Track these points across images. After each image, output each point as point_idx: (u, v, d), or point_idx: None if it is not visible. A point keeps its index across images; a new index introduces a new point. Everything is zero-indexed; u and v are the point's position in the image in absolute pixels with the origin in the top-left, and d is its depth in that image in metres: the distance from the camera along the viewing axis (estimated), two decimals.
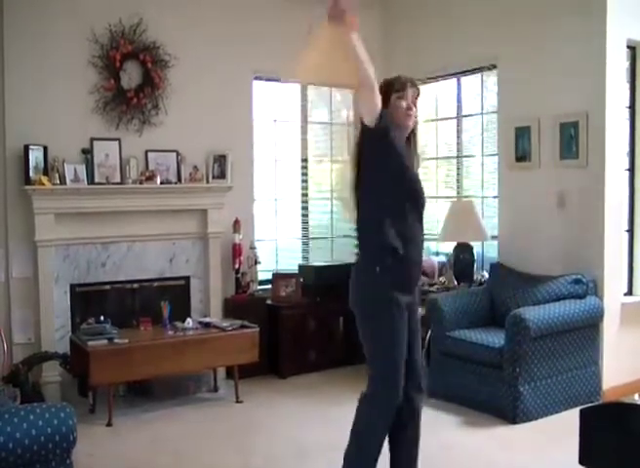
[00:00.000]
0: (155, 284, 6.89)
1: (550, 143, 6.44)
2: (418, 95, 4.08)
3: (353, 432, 4.00)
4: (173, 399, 6.36)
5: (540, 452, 5.04)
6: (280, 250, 7.92)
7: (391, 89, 4.06)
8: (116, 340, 5.87)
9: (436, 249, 7.87)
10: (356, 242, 4.14)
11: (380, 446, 3.94)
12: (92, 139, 6.45)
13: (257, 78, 7.46)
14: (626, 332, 6.31)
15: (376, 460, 3.93)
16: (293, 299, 7.24)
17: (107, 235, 6.53)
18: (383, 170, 3.87)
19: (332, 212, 8.26)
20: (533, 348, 5.64)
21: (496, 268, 6.75)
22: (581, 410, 4.08)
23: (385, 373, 3.86)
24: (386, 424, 3.90)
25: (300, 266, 7.67)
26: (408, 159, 3.96)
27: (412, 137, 4.09)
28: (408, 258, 3.87)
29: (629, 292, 6.64)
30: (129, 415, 5.95)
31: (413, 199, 3.94)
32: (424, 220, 4.03)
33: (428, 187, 8.03)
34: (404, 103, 3.98)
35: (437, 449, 5.14)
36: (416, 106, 4.03)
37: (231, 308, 7.05)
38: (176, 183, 6.80)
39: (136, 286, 6.80)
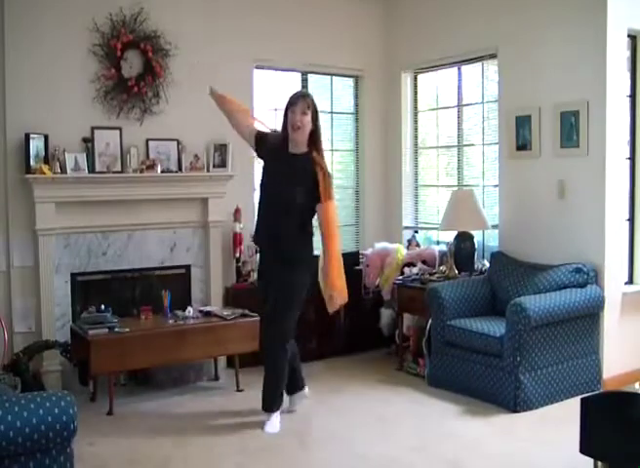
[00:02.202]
0: (156, 273, 6.89)
1: (551, 132, 6.44)
2: (308, 106, 5.19)
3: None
4: (173, 388, 6.38)
5: (540, 441, 5.05)
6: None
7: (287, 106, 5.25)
8: (117, 329, 5.88)
9: (437, 238, 7.87)
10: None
11: None
12: (92, 128, 6.44)
13: (257, 67, 7.45)
14: (627, 321, 6.31)
15: None
16: None
17: (108, 224, 6.53)
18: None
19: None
20: (533, 337, 5.64)
21: (496, 257, 6.76)
22: (582, 399, 4.08)
23: None
24: None
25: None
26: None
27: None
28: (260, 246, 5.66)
29: (630, 281, 6.64)
30: (129, 404, 5.97)
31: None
32: None
33: (429, 176, 8.06)
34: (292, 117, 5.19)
35: (438, 438, 5.17)
36: (304, 114, 5.17)
37: (232, 297, 7.06)
38: (176, 172, 6.79)
39: (136, 275, 6.80)
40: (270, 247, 5.41)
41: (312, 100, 5.27)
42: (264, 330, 5.48)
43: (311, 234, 5.43)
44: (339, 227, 5.44)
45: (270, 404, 5.43)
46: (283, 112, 5.31)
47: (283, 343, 5.39)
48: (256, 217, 5.53)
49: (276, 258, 5.35)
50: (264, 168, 5.51)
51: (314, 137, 5.28)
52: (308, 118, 5.19)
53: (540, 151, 6.56)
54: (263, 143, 5.47)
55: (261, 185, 5.50)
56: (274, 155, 5.36)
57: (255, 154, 5.81)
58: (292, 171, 5.21)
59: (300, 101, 5.19)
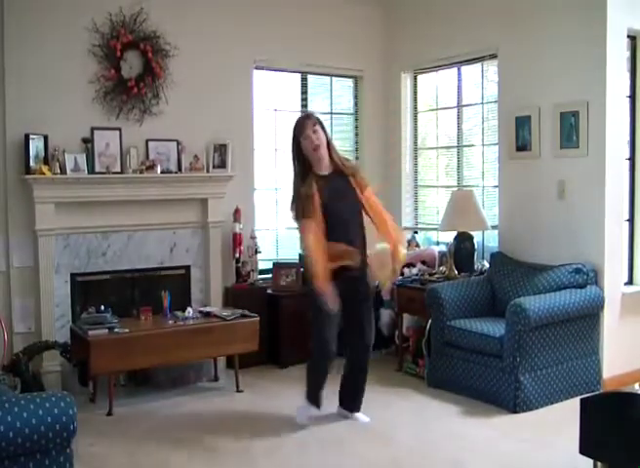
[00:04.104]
0: (156, 273, 6.90)
1: (551, 133, 6.44)
2: (314, 123, 5.22)
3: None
4: (173, 388, 6.38)
5: (540, 442, 5.05)
6: (280, 239, 7.91)
7: (297, 135, 5.23)
8: (116, 330, 5.88)
9: (437, 238, 7.87)
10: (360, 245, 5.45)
11: None
12: (92, 129, 6.45)
13: (257, 67, 7.45)
14: (627, 322, 6.31)
15: None
16: (293, 289, 7.24)
17: (108, 224, 6.53)
18: None
19: None
20: (533, 338, 5.64)
21: (496, 258, 6.76)
22: (582, 400, 4.09)
23: None
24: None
25: (301, 256, 7.65)
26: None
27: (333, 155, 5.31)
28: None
29: (630, 282, 6.64)
30: (129, 405, 5.97)
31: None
32: None
33: (429, 176, 8.06)
34: (307, 142, 5.17)
35: (437, 439, 5.17)
36: (315, 132, 5.17)
37: (232, 297, 7.06)
38: (176, 173, 6.79)
39: (136, 275, 6.80)
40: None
41: (314, 116, 5.36)
42: (362, 336, 5.67)
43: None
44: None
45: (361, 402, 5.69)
46: (292, 146, 5.30)
47: None
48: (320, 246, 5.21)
49: (355, 272, 5.39)
50: (327, 205, 5.19)
51: (330, 147, 5.32)
52: (320, 133, 5.21)
53: (540, 152, 6.56)
54: (318, 191, 5.19)
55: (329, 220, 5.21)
56: (323, 189, 5.18)
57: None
58: (338, 188, 5.24)
59: (307, 123, 5.21)
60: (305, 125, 5.20)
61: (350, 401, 5.67)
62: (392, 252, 5.47)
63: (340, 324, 5.47)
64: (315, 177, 5.21)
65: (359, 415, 5.63)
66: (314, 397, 5.54)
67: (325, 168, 5.29)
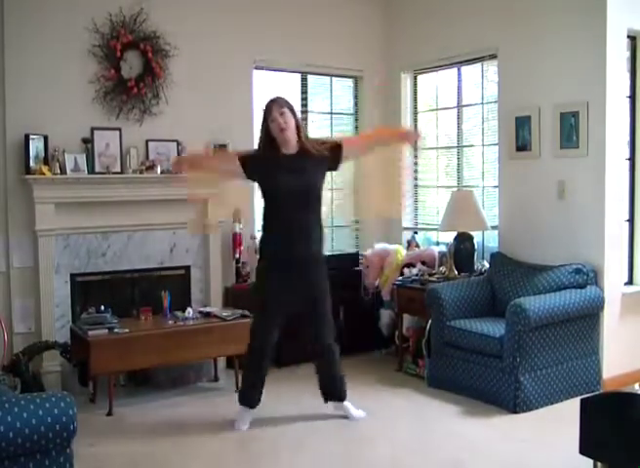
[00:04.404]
0: (155, 273, 6.90)
1: (551, 133, 6.44)
2: (282, 106, 5.27)
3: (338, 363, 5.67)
4: (173, 388, 6.38)
5: (540, 442, 5.05)
6: None
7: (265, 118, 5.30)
8: (116, 330, 5.88)
9: (436, 239, 7.87)
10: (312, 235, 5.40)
11: None
12: (92, 129, 6.45)
13: (257, 67, 7.45)
14: (627, 322, 6.31)
15: None
16: None
17: (108, 224, 6.53)
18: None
19: (332, 202, 8.24)
20: (533, 338, 5.64)
21: (496, 258, 6.76)
22: (582, 400, 4.09)
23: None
24: None
25: None
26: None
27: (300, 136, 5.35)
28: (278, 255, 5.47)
29: (630, 282, 6.65)
30: (129, 405, 5.97)
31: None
32: None
33: (429, 177, 8.06)
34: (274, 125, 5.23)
35: (437, 439, 5.17)
36: (283, 114, 5.23)
37: (232, 298, 7.06)
38: (176, 173, 6.78)
39: (136, 275, 6.80)
40: (295, 250, 5.34)
41: (283, 99, 5.38)
42: (316, 338, 5.62)
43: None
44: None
45: (345, 391, 5.69)
46: (261, 128, 5.38)
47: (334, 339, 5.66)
48: (261, 233, 5.62)
49: (306, 259, 5.40)
50: (265, 179, 5.38)
51: (299, 130, 5.36)
52: (288, 115, 5.25)
53: (540, 152, 6.56)
54: (251, 162, 5.38)
55: (268, 195, 5.41)
56: (270, 163, 5.31)
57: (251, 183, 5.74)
58: (295, 167, 5.26)
59: (274, 106, 5.26)
60: (272, 107, 5.25)
61: (332, 390, 5.67)
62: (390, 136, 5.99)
63: (290, 323, 5.54)
64: (267, 153, 5.34)
65: (349, 406, 5.65)
66: (245, 397, 5.56)
67: (292, 148, 5.34)
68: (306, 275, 5.41)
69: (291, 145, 5.31)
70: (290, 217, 5.26)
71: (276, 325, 5.48)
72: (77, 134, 6.38)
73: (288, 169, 5.23)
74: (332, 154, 5.37)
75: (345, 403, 5.65)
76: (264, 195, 5.43)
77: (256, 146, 5.55)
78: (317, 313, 5.53)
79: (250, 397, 5.54)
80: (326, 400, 5.69)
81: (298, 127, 5.34)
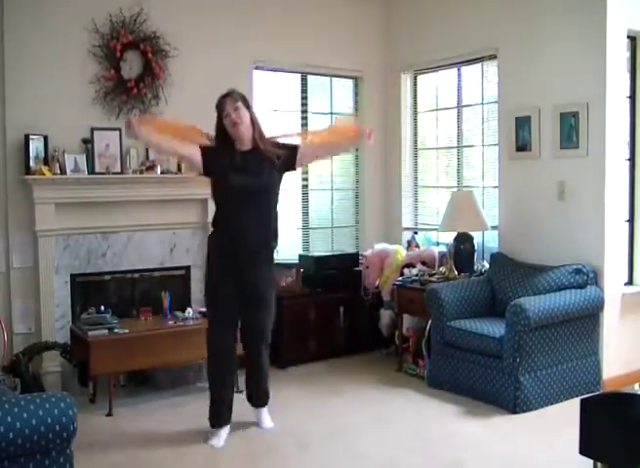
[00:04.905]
0: (155, 274, 6.90)
1: (551, 133, 6.44)
2: (236, 100, 5.07)
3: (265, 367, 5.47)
4: (173, 389, 6.37)
5: (540, 442, 5.05)
6: (280, 239, 7.89)
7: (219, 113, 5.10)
8: (116, 330, 5.88)
9: (436, 239, 7.87)
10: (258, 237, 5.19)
11: None
12: (92, 129, 6.44)
13: (257, 67, 7.45)
14: (626, 322, 6.31)
15: None
16: (293, 289, 7.24)
17: (108, 225, 6.53)
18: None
19: (332, 202, 8.25)
20: (533, 338, 5.64)
21: (496, 258, 6.76)
22: (582, 400, 4.09)
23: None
24: None
25: (301, 256, 7.67)
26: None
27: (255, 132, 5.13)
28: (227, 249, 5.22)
29: (630, 282, 6.64)
30: (129, 405, 5.97)
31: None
32: None
33: (429, 177, 8.06)
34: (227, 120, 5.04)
35: (437, 439, 5.17)
36: (237, 109, 5.03)
37: None
38: (176, 173, 6.79)
39: (136, 275, 6.81)
40: (239, 249, 5.12)
41: (238, 93, 5.15)
42: (247, 335, 5.38)
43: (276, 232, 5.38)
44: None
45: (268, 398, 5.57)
46: (216, 123, 5.16)
47: (268, 349, 5.48)
48: (210, 230, 5.44)
49: (250, 260, 5.17)
50: (217, 176, 5.15)
51: (254, 126, 5.14)
52: (242, 110, 5.05)
53: (540, 152, 6.56)
54: (209, 155, 5.12)
55: (220, 192, 5.21)
56: (224, 160, 5.06)
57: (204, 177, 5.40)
58: (248, 166, 5.06)
59: (227, 100, 5.06)
60: (225, 102, 5.07)
61: (252, 395, 5.52)
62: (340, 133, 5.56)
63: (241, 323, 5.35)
64: (223, 148, 5.11)
65: (263, 414, 5.50)
66: (211, 416, 5.30)
67: (246, 144, 5.11)
68: (248, 275, 5.15)
69: (245, 141, 5.11)
70: (238, 217, 5.05)
71: (228, 324, 5.25)
72: (77, 134, 6.38)
73: (241, 167, 5.03)
74: (286, 155, 5.18)
75: (264, 409, 5.52)
76: (215, 191, 5.22)
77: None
78: (255, 315, 5.27)
79: (215, 414, 5.29)
80: (250, 402, 5.55)
81: (253, 122, 5.13)
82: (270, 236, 5.30)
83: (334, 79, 8.18)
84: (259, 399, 5.50)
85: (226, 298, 5.15)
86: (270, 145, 5.17)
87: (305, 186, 8.05)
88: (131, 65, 6.59)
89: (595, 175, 6.10)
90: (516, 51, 6.72)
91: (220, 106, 5.08)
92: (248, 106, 5.14)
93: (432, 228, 7.88)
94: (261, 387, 5.48)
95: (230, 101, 5.06)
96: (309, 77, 7.98)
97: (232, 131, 5.06)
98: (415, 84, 8.19)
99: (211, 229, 5.38)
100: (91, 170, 6.38)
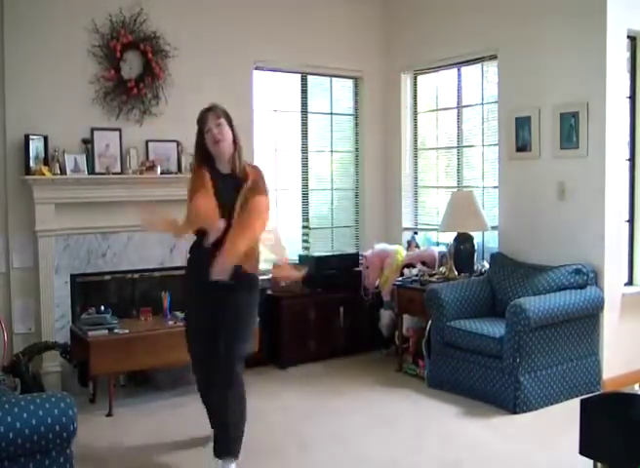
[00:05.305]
0: (155, 274, 6.89)
1: (551, 133, 6.44)
2: (218, 116, 4.70)
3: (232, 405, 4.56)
4: (173, 389, 6.37)
5: (540, 442, 5.05)
6: (280, 239, 7.89)
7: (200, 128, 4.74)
8: (116, 330, 5.89)
9: (436, 239, 7.87)
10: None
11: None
12: (92, 129, 6.44)
13: (257, 68, 7.45)
14: (626, 323, 6.31)
15: None
16: (293, 290, 7.23)
17: (108, 225, 6.53)
18: None
19: (332, 202, 8.26)
20: (533, 338, 5.64)
21: (496, 258, 6.76)
22: (582, 400, 4.09)
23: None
24: None
25: (301, 256, 7.67)
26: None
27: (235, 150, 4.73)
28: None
29: (630, 283, 6.64)
30: (129, 405, 5.97)
31: None
32: None
33: (429, 177, 8.06)
34: (208, 136, 4.67)
35: (437, 439, 5.17)
36: (219, 126, 4.65)
37: None
38: (176, 173, 6.78)
39: (136, 276, 6.81)
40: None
41: (220, 108, 4.76)
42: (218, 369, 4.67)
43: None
44: (262, 224, 4.63)
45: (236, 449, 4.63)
46: (196, 138, 4.78)
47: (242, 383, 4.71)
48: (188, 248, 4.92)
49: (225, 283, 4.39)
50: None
51: (236, 145, 4.74)
52: (225, 127, 4.67)
53: (540, 152, 6.56)
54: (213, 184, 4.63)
55: None
56: (217, 185, 4.61)
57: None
58: (228, 192, 4.58)
59: (209, 115, 4.69)
60: (207, 117, 4.69)
61: (215, 439, 4.65)
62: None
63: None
64: (210, 171, 4.66)
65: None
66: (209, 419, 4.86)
67: (225, 165, 4.70)
68: (222, 298, 4.56)
69: (224, 161, 4.70)
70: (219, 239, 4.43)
71: (203, 340, 4.73)
72: (77, 134, 6.38)
73: (223, 193, 4.57)
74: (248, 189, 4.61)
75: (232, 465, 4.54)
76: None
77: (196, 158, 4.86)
78: (226, 339, 4.60)
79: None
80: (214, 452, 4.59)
81: (235, 141, 4.74)
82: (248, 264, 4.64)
83: (334, 79, 8.19)
84: (218, 444, 4.60)
85: (197, 315, 4.79)
86: (243, 171, 4.72)
87: (305, 186, 8.04)
88: (131, 65, 6.59)
89: (595, 176, 6.10)
90: (516, 51, 6.72)
91: (202, 121, 4.72)
92: (230, 123, 4.74)
93: (432, 228, 7.88)
94: (225, 429, 4.59)
95: (213, 116, 4.69)
96: (309, 77, 7.98)
97: (213, 148, 4.68)
98: (415, 84, 8.19)
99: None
100: (91, 170, 6.38)
